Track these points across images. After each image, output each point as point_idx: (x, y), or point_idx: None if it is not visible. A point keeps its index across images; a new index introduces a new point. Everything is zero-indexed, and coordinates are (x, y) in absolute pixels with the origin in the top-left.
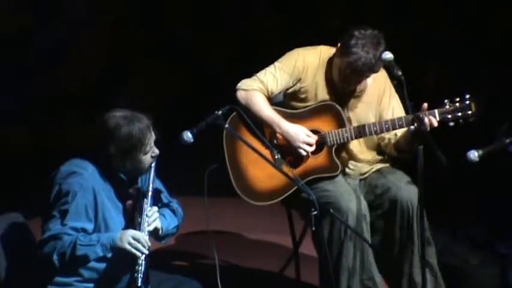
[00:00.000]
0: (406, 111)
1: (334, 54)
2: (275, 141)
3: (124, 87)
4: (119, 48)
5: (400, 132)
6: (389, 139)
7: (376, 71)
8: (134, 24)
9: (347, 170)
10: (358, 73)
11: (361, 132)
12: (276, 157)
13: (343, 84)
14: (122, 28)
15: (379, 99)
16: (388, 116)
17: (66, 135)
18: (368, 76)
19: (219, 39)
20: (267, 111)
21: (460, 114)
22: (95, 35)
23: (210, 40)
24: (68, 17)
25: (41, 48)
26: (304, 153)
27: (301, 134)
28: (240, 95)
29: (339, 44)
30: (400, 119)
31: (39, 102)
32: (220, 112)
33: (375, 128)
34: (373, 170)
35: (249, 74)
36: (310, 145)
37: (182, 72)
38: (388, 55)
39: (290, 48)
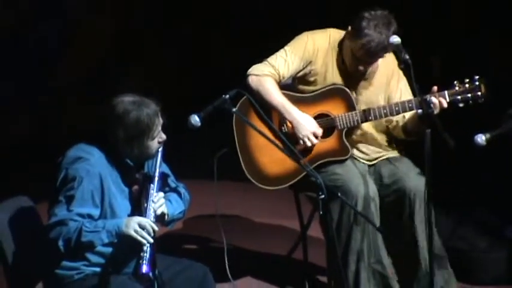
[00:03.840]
0: (414, 94)
1: (345, 37)
2: (284, 128)
3: (132, 70)
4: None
5: (408, 114)
6: (397, 121)
7: (389, 51)
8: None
9: (357, 153)
10: (372, 54)
11: (370, 114)
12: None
13: (356, 67)
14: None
15: (388, 81)
16: (396, 98)
17: (74, 120)
18: (381, 56)
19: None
20: (278, 98)
21: (469, 95)
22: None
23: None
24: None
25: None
26: (308, 143)
27: (309, 124)
28: (252, 80)
29: (349, 28)
30: (409, 101)
31: (47, 88)
32: (228, 96)
33: (384, 111)
34: (383, 157)
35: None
36: (317, 137)
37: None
38: (395, 39)
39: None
